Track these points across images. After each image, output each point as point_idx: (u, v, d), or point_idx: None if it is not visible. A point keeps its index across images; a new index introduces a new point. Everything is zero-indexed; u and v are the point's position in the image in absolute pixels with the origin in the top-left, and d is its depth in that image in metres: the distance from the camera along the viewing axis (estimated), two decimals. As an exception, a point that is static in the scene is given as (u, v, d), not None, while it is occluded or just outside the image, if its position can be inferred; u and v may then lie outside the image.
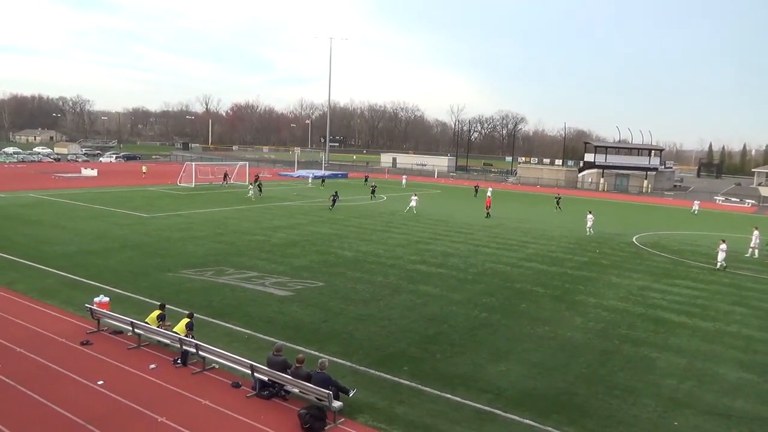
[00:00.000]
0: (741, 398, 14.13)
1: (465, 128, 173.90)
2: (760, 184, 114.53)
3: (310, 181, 71.43)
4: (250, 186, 55.02)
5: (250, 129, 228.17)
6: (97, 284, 21.16)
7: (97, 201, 45.51)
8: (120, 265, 24.54)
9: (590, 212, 40.67)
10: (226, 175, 67.27)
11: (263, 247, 29.50)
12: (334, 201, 47.49)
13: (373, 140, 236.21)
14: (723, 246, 29.52)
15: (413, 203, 47.87)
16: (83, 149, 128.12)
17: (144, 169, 77.16)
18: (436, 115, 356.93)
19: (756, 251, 33.97)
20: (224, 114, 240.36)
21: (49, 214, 37.70)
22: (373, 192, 58.81)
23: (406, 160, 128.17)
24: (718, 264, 29.31)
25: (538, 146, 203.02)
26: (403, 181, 78.45)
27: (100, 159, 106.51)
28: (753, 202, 76.64)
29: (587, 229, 39.79)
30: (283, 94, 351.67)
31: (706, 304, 22.67)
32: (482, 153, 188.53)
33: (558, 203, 56.16)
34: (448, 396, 13.40)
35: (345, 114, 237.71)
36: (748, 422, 12.89)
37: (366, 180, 72.72)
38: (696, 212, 59.33)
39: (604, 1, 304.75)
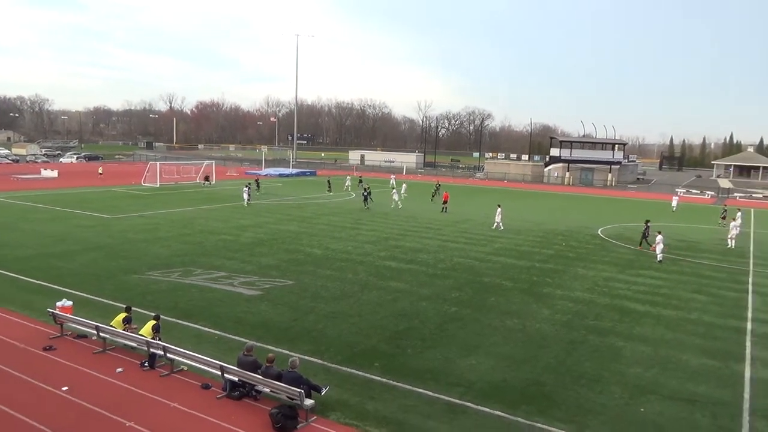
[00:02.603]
0: (703, 383, 14.54)
1: (433, 125, 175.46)
2: (719, 176, 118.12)
3: (393, 181, 65.97)
4: (245, 188, 47.92)
5: (216, 127, 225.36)
6: (59, 288, 20.60)
7: (58, 203, 44.32)
8: (83, 268, 23.95)
9: (499, 206, 39.37)
10: (207, 177, 66.00)
11: (231, 247, 29.15)
12: (366, 199, 46.84)
13: (341, 138, 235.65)
14: (659, 237, 29.29)
15: (395, 197, 47.76)
16: (43, 150, 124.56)
17: (100, 170, 73.65)
18: (404, 112, 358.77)
19: (733, 242, 34.25)
20: (189, 112, 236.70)
21: (7, 217, 36.55)
22: (329, 184, 61.49)
23: (374, 156, 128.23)
24: (659, 257, 29.04)
25: (505, 142, 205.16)
26: (392, 182, 68.06)
27: (61, 159, 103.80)
28: (712, 193, 78.98)
29: (495, 223, 38.09)
30: (249, 92, 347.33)
31: (668, 293, 23.25)
32: (450, 149, 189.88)
33: (435, 191, 55.87)
34: (420, 391, 13.46)
35: (312, 111, 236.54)
36: (711, 406, 13.28)
37: (360, 181, 64.56)
38: (675, 209, 54.28)
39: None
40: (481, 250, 30.86)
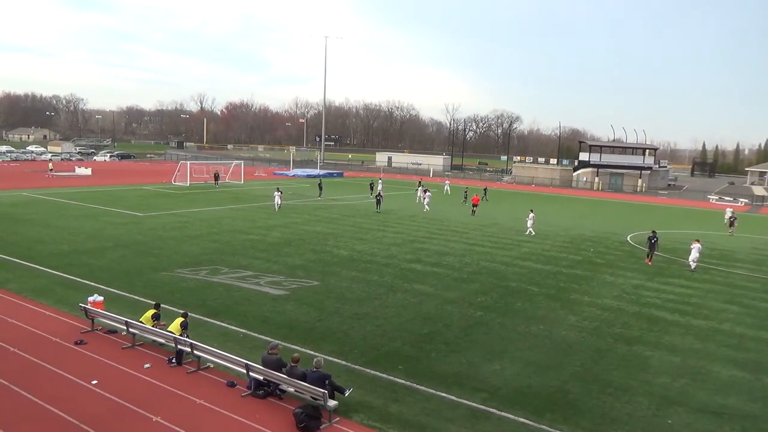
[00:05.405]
0: (733, 396, 14.22)
1: (460, 127, 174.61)
2: (753, 183, 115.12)
3: (447, 186, 66.03)
4: (277, 193, 44.94)
5: (245, 128, 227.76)
6: (91, 283, 21.10)
7: (91, 200, 45.36)
8: (114, 265, 24.47)
9: (532, 211, 38.61)
10: (216, 176, 63.79)
11: (258, 246, 29.46)
12: (378, 202, 46.60)
13: (369, 139, 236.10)
14: (696, 245, 28.58)
15: (426, 200, 48.50)
16: (77, 148, 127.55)
17: (50, 166, 70.44)
18: (432, 114, 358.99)
19: None
20: (219, 113, 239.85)
21: (42, 213, 37.54)
22: (371, 187, 58.98)
23: (401, 159, 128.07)
24: (692, 265, 28.42)
25: (533, 145, 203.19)
26: (446, 188, 66.41)
27: (95, 158, 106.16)
28: (746, 201, 77.03)
29: (528, 229, 37.55)
30: (278, 93, 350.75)
31: (699, 302, 22.78)
32: (477, 152, 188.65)
33: (485, 194, 55.79)
34: (443, 395, 13.43)
35: (340, 113, 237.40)
36: (740, 420, 12.98)
37: (420, 185, 60.41)
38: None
39: (600, 1, 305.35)
40: (507, 254, 30.63)
